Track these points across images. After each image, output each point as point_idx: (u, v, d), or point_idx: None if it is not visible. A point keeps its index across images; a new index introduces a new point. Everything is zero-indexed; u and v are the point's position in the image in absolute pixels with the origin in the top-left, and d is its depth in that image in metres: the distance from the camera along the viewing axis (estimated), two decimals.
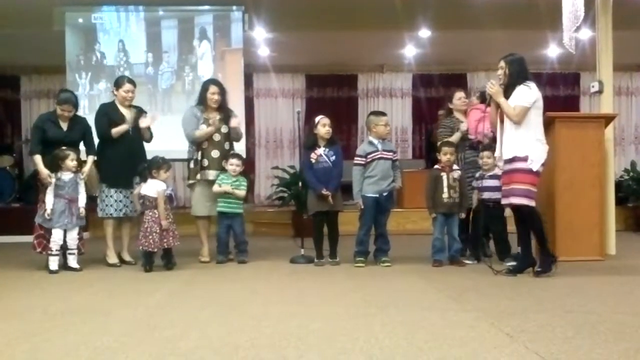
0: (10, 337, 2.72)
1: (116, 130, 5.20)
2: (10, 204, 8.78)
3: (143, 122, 5.33)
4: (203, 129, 5.32)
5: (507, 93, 4.40)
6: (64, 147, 4.93)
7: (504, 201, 4.49)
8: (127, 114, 5.34)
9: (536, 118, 4.36)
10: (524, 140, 4.31)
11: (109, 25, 8.31)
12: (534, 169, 4.28)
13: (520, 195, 4.31)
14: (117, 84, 5.44)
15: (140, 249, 4.84)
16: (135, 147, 5.33)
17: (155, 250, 4.86)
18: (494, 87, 4.43)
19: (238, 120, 5.54)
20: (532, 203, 4.34)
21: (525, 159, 4.28)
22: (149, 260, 4.85)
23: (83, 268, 4.93)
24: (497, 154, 4.57)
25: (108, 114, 5.30)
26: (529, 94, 4.32)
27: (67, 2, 8.11)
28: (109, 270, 5.06)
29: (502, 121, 4.47)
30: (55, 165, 4.86)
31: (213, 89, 5.41)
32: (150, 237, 4.80)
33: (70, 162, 4.86)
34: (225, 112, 5.46)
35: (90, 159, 5.17)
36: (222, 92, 5.47)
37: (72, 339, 2.68)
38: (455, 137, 5.40)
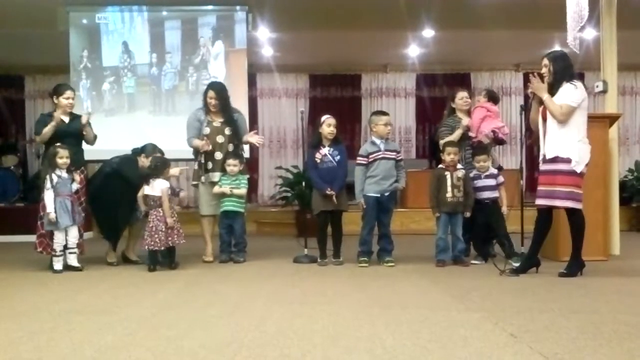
0: (14, 336, 2.73)
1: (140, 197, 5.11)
2: (14, 203, 8.81)
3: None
4: (197, 142, 5.35)
5: (552, 91, 4.30)
6: (57, 144, 4.91)
7: (539, 201, 4.36)
8: None
9: (580, 118, 4.27)
10: (567, 141, 4.22)
11: (112, 25, 8.33)
12: (578, 171, 4.20)
13: (564, 197, 4.23)
14: (145, 151, 5.29)
15: (146, 248, 4.85)
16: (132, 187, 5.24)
17: (162, 248, 4.86)
18: (537, 82, 4.32)
19: (258, 139, 5.61)
20: (578, 205, 4.26)
21: (568, 161, 4.19)
22: (153, 260, 4.85)
23: (87, 267, 4.95)
24: (541, 152, 4.42)
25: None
26: (576, 94, 4.22)
27: (72, 2, 8.13)
28: (112, 269, 5.07)
29: (544, 119, 4.37)
30: (52, 163, 4.83)
31: (210, 94, 5.44)
32: (156, 235, 4.80)
33: (60, 160, 4.81)
34: (227, 114, 5.48)
35: (77, 181, 4.99)
36: (220, 96, 5.44)
37: (76, 337, 2.68)
38: (456, 135, 5.33)
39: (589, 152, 4.27)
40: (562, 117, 4.21)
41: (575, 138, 4.23)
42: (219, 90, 5.50)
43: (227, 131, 5.42)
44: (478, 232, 5.18)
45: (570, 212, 4.32)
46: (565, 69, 4.31)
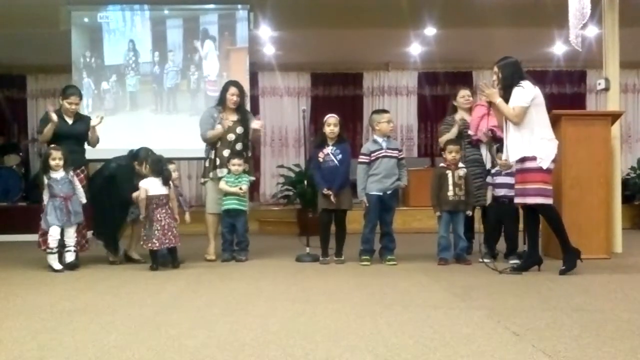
0: (17, 335, 2.73)
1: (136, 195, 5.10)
2: (16, 203, 8.82)
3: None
4: (211, 131, 5.36)
5: (506, 96, 4.41)
6: (51, 146, 4.93)
7: (516, 200, 4.49)
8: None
9: (538, 115, 4.34)
10: (529, 140, 4.31)
11: (114, 24, 8.33)
12: (544, 167, 4.28)
13: (534, 194, 4.32)
14: (139, 158, 5.27)
15: (160, 247, 4.81)
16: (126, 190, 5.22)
17: (179, 244, 4.88)
18: (488, 89, 4.45)
19: (261, 123, 5.62)
20: (548, 201, 4.34)
21: (534, 159, 4.28)
22: (156, 259, 4.85)
23: (89, 267, 4.97)
24: (503, 156, 4.60)
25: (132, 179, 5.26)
26: (524, 94, 4.33)
27: (73, 1, 8.13)
28: (115, 268, 5.07)
29: (506, 122, 4.47)
30: (44, 165, 4.84)
31: (233, 90, 5.47)
32: (170, 232, 4.82)
33: (52, 162, 4.81)
34: (242, 114, 5.51)
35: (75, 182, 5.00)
36: (241, 94, 5.53)
37: (79, 337, 2.69)
38: (453, 132, 5.40)
39: (554, 148, 4.36)
40: (516, 119, 4.33)
41: (538, 136, 4.31)
42: (241, 87, 5.58)
43: (238, 130, 5.43)
44: (491, 230, 5.15)
45: (541, 208, 4.39)
46: (513, 74, 4.45)
